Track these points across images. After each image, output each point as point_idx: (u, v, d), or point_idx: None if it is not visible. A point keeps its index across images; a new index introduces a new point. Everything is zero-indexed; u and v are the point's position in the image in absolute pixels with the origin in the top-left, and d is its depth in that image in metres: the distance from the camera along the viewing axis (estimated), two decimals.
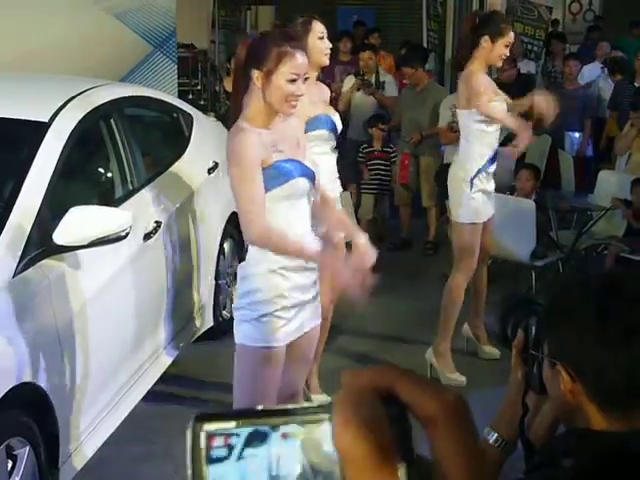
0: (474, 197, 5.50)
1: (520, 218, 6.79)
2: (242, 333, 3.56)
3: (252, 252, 3.54)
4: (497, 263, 7.28)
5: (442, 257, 7.51)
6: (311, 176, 3.57)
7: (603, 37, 12.16)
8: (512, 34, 5.45)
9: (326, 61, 4.95)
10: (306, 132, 4.19)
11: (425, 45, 12.34)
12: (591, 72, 10.59)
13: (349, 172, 8.23)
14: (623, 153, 8.18)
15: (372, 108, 8.95)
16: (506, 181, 8.00)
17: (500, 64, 5.60)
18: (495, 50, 5.35)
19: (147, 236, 4.63)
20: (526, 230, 6.78)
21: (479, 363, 5.91)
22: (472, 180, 5.48)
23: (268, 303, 3.50)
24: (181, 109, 5.88)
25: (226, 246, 6.00)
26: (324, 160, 4.62)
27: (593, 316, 1.70)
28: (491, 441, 2.05)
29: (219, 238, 5.86)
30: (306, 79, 3.52)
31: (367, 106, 8.95)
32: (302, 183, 3.52)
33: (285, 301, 3.52)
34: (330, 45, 4.96)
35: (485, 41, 5.33)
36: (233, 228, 5.67)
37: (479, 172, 5.47)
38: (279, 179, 3.45)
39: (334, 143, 5.04)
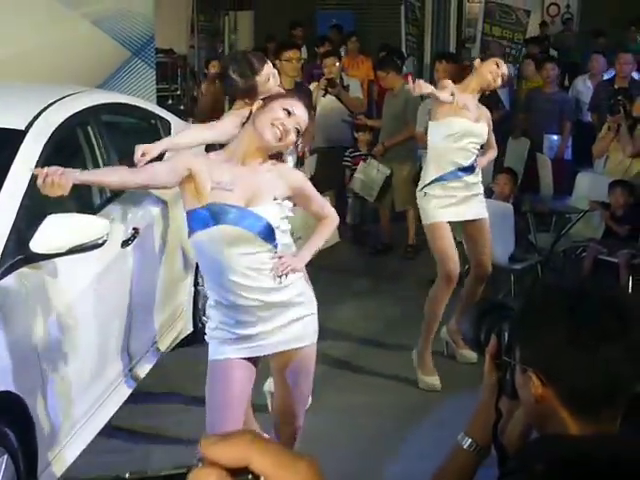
0: (428, 201, 5.61)
1: (498, 221, 6.81)
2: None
3: None
4: None
5: (423, 260, 7.51)
6: (255, 228, 3.46)
7: (610, 43, 12.13)
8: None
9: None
10: None
11: (404, 49, 12.38)
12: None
13: (326, 177, 8.20)
14: (601, 155, 8.22)
15: (337, 113, 8.93)
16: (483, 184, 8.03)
17: (494, 83, 5.55)
18: (483, 70, 5.50)
19: (125, 243, 4.62)
20: (504, 233, 6.81)
21: (457, 367, 5.93)
22: (423, 189, 5.62)
23: (214, 329, 3.65)
24: (159, 115, 5.87)
25: None
26: None
27: (566, 321, 1.72)
28: (465, 446, 2.06)
29: None
30: (298, 132, 3.56)
31: (332, 111, 8.91)
32: (229, 231, 3.45)
33: (223, 333, 3.63)
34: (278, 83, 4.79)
35: (477, 62, 5.57)
36: None
37: (433, 182, 5.58)
38: (202, 222, 3.45)
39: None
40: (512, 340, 1.90)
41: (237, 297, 3.53)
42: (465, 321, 2.17)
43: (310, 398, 5.30)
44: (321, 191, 7.29)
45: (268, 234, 3.49)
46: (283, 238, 3.57)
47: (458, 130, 5.50)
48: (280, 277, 3.51)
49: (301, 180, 3.73)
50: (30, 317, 3.72)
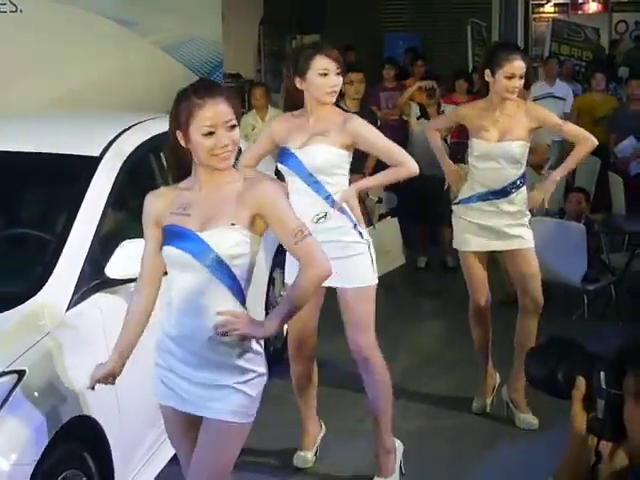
0: (456, 223, 5.36)
1: (571, 242, 6.73)
2: None
3: None
4: (549, 288, 7.13)
5: None
6: (197, 253, 3.09)
7: None
8: (516, 64, 5.02)
9: (328, 99, 4.30)
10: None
11: (471, 70, 12.33)
12: None
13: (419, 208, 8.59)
14: None
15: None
16: (555, 204, 7.94)
17: (510, 97, 5.08)
18: (497, 83, 5.07)
19: None
20: (577, 254, 6.72)
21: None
22: (456, 203, 5.37)
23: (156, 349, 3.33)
24: None
25: (276, 276, 6.01)
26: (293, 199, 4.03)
27: None
28: None
29: (269, 268, 5.89)
30: (233, 127, 3.05)
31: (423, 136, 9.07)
32: (174, 254, 3.13)
33: (158, 357, 3.31)
34: (337, 83, 4.27)
35: (487, 75, 5.12)
36: (283, 258, 5.67)
37: (461, 202, 5.29)
38: (163, 243, 3.20)
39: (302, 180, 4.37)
40: (619, 373, 1.81)
41: None
42: (532, 361, 2.05)
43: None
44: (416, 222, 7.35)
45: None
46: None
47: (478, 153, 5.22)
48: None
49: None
50: (106, 342, 3.75)
